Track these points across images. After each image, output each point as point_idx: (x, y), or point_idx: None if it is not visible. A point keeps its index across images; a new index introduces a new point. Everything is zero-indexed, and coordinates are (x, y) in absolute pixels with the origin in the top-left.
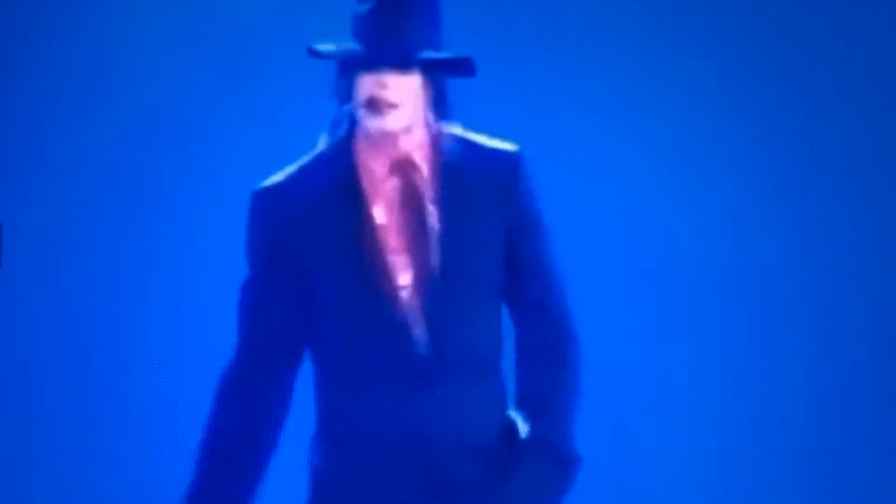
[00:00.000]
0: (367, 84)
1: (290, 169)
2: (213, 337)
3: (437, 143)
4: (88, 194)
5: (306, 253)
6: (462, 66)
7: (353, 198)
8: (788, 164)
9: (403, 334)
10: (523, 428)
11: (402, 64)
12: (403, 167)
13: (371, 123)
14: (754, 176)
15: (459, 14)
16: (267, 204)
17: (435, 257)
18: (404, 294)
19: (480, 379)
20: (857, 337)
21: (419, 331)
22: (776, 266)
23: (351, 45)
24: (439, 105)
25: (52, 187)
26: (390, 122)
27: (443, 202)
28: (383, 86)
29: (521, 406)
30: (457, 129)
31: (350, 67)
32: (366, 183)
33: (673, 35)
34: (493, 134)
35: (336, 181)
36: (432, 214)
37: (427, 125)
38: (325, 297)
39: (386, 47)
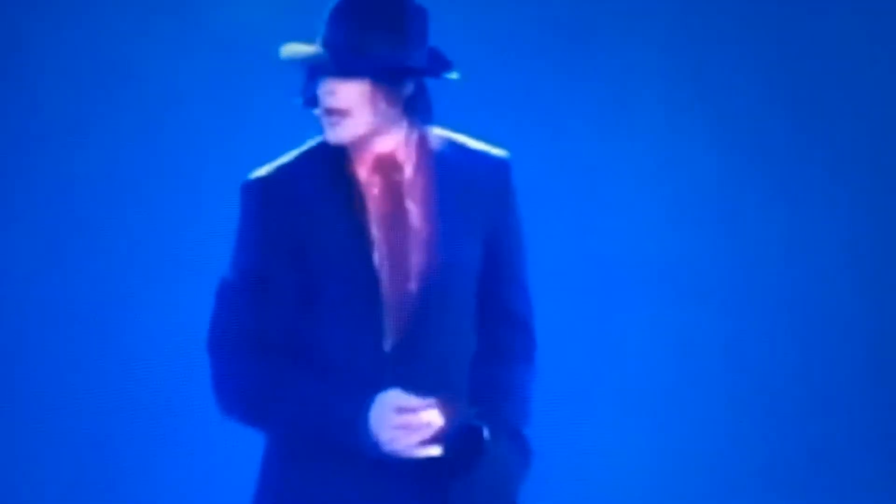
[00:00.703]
0: (321, 90)
1: (280, 161)
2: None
3: (422, 144)
4: (85, 194)
5: (302, 240)
6: (415, 71)
7: (348, 189)
8: (778, 168)
9: (375, 329)
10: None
11: (336, 71)
12: (386, 166)
13: (326, 130)
14: (747, 180)
15: (460, 19)
16: (260, 193)
17: (415, 257)
18: (383, 291)
19: (448, 379)
20: (847, 339)
21: (390, 327)
22: (767, 270)
23: (313, 50)
24: (418, 108)
25: (49, 187)
26: (342, 130)
27: (426, 202)
28: (330, 92)
29: (482, 393)
30: (444, 132)
31: (313, 71)
32: (358, 177)
33: (663, 39)
34: (483, 138)
35: (332, 175)
36: (414, 214)
37: (407, 127)
38: (314, 287)
39: (327, 54)
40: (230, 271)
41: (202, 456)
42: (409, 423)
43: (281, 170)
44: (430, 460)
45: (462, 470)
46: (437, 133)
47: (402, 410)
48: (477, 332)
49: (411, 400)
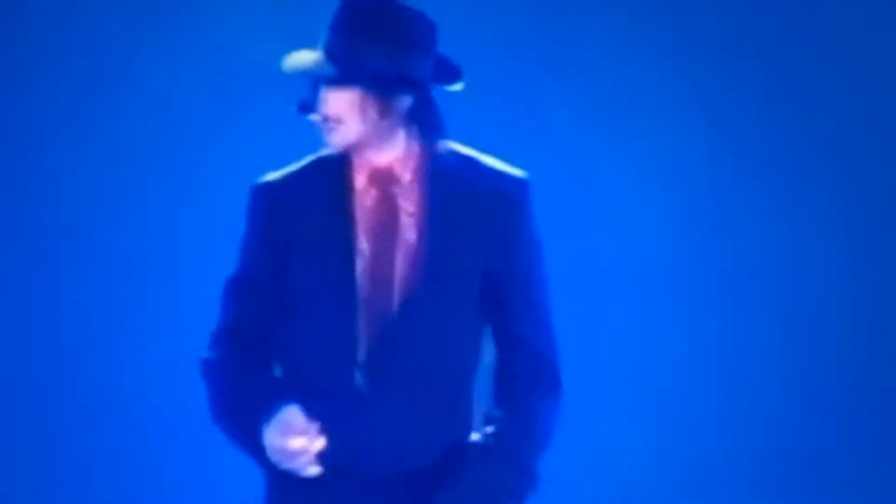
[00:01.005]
0: (319, 97)
1: (292, 167)
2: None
3: (424, 158)
4: (82, 197)
5: (293, 245)
6: (406, 81)
7: (342, 198)
8: (779, 169)
9: (348, 338)
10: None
11: (325, 78)
12: (382, 178)
13: (323, 137)
14: (749, 184)
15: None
16: (263, 197)
17: (401, 269)
18: (361, 300)
19: (428, 393)
20: (846, 339)
21: (364, 337)
22: (769, 272)
23: (310, 58)
24: (421, 121)
25: (47, 190)
26: (336, 136)
27: (421, 216)
28: (324, 99)
29: (492, 420)
30: (460, 148)
31: (312, 78)
32: (354, 186)
33: (663, 41)
34: (475, 141)
35: (331, 184)
36: (406, 227)
37: (406, 140)
38: (298, 295)
39: (321, 61)
40: (232, 271)
41: (203, 458)
42: (289, 448)
43: (288, 175)
44: (424, 471)
45: (449, 483)
46: (450, 148)
47: (285, 433)
48: (496, 357)
49: (295, 423)
